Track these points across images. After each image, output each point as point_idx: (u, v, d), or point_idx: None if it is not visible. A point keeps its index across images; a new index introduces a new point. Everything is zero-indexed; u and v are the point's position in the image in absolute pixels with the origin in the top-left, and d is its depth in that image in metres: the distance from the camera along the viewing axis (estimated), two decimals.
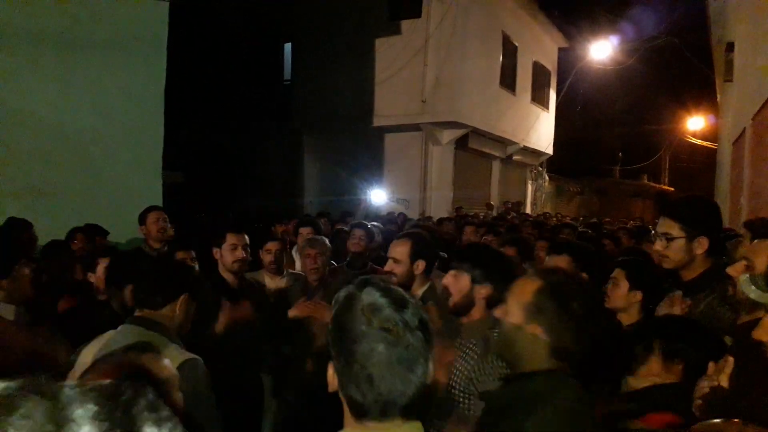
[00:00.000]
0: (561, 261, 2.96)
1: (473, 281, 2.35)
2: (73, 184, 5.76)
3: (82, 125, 5.81)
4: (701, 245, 2.27)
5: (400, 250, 2.97)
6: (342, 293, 1.25)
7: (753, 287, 1.42)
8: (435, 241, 4.31)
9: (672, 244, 2.34)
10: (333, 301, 1.27)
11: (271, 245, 4.12)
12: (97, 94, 5.86)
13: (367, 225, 5.32)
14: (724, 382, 1.60)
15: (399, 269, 2.93)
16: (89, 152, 5.84)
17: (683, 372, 2.00)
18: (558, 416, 1.48)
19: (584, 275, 2.87)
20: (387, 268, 2.99)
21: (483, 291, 2.32)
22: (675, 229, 2.32)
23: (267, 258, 4.08)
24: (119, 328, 2.24)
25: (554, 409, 1.50)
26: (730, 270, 1.98)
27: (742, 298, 1.82)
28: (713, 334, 2.06)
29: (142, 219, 4.63)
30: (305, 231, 5.05)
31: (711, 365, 1.65)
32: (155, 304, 2.25)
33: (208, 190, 12.55)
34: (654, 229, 2.58)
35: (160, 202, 6.16)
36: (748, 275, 1.57)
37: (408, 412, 1.17)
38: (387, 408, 1.15)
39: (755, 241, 1.99)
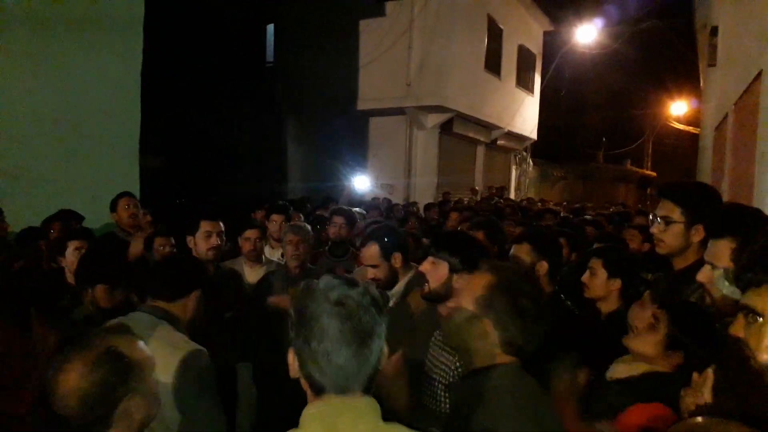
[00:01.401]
0: (522, 249, 2.95)
1: (452, 270, 2.33)
2: (47, 168, 5.62)
3: (55, 107, 5.65)
4: (698, 233, 2.21)
5: (370, 254, 2.95)
6: (303, 283, 1.33)
7: (726, 283, 1.37)
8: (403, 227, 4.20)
9: (670, 228, 2.29)
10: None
11: (250, 233, 4.04)
12: (71, 74, 5.70)
13: (348, 211, 5.24)
14: (708, 396, 1.57)
15: (379, 273, 2.90)
16: (63, 135, 5.69)
17: (680, 364, 1.96)
18: (516, 407, 1.52)
19: (544, 263, 2.87)
20: (369, 275, 2.95)
21: None
22: (675, 214, 2.27)
23: (246, 246, 4.00)
24: (130, 314, 2.29)
25: (512, 400, 1.54)
26: (700, 276, 1.92)
27: (720, 303, 1.78)
28: (718, 331, 1.99)
29: (113, 206, 4.54)
30: (278, 218, 4.99)
31: (695, 376, 1.60)
32: (169, 297, 2.32)
33: (190, 175, 12.38)
34: (651, 213, 2.51)
35: (137, 187, 6.06)
36: (722, 271, 1.52)
37: (366, 388, 1.24)
38: (346, 384, 1.22)
39: (710, 242, 1.93)
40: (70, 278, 3.36)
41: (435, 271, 2.35)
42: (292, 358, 1.27)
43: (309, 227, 4.13)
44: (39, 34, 5.47)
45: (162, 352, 1.92)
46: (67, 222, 4.73)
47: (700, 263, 2.12)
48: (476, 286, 1.70)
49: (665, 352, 1.98)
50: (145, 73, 6.31)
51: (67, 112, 5.71)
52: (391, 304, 2.69)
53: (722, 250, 1.84)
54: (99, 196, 5.58)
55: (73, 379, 1.41)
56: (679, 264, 2.33)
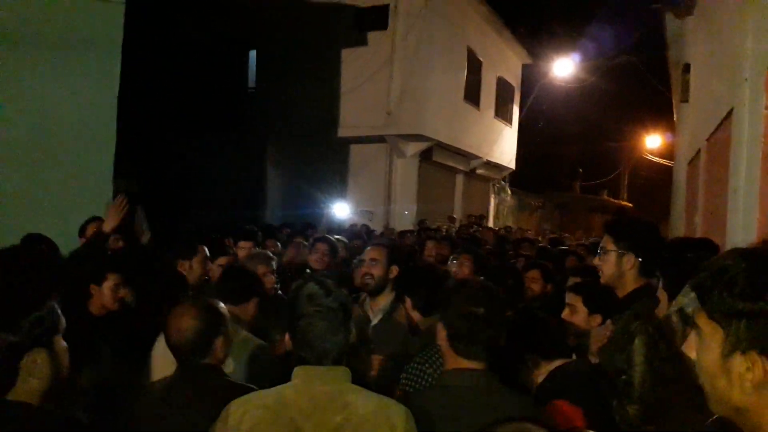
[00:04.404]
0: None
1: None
2: (18, 192, 5.48)
3: (26, 130, 5.53)
4: (629, 262, 2.33)
5: (379, 251, 3.18)
6: (295, 285, 1.88)
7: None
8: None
9: (605, 257, 2.43)
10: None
11: (222, 260, 4.00)
12: (45, 97, 5.60)
13: (331, 239, 5.14)
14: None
15: (377, 270, 3.10)
16: (35, 158, 5.56)
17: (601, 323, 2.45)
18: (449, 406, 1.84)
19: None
20: (365, 268, 3.17)
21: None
22: (609, 244, 2.42)
23: (217, 273, 3.92)
24: None
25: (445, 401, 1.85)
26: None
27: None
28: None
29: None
30: (245, 245, 4.92)
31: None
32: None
33: (166, 199, 12.19)
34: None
35: None
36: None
37: (337, 362, 1.79)
38: (321, 358, 1.77)
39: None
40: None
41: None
42: (288, 340, 1.86)
43: (269, 253, 4.09)
44: (11, 55, 5.38)
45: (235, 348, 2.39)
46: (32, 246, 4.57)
47: (636, 293, 2.21)
48: (441, 293, 2.08)
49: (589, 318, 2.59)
50: (122, 96, 6.23)
51: (39, 135, 5.59)
52: (375, 321, 3.04)
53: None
54: (71, 220, 5.45)
55: (190, 320, 2.04)
56: (620, 294, 2.44)
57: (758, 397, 0.86)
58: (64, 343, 1.51)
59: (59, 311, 1.49)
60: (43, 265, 2.72)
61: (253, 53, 15.81)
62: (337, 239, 6.17)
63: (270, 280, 3.71)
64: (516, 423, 1.16)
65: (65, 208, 5.59)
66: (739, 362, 0.88)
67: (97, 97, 5.92)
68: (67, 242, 4.95)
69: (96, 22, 5.90)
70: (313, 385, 1.75)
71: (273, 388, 1.80)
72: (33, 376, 1.40)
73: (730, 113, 3.87)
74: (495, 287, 2.11)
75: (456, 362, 1.91)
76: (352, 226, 10.90)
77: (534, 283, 4.03)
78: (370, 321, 3.07)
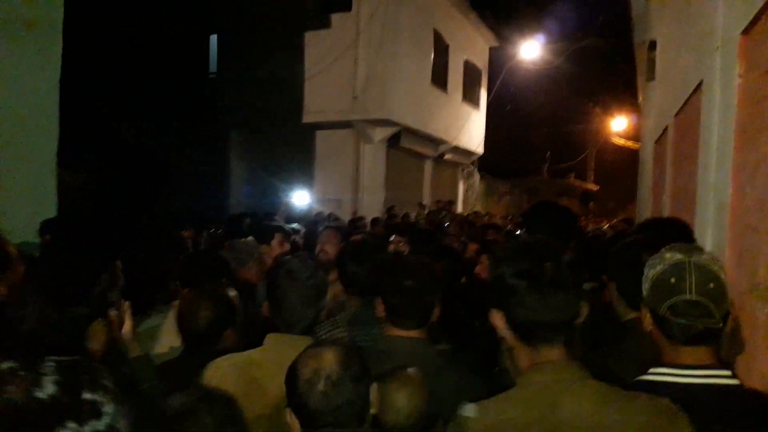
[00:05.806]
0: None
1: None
2: None
3: None
4: None
5: (333, 241, 3.53)
6: (280, 260, 2.25)
7: None
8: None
9: None
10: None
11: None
12: None
13: (285, 227, 5.12)
14: None
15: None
16: None
17: None
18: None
19: None
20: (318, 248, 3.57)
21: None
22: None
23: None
24: (174, 302, 2.71)
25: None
26: None
27: None
28: None
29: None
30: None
31: None
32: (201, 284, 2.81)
33: (122, 191, 11.72)
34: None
35: (54, 205, 5.59)
36: None
37: (305, 332, 1.98)
38: (290, 327, 1.96)
39: None
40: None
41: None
42: (266, 308, 2.03)
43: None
44: None
45: None
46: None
47: None
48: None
49: None
50: (70, 83, 5.82)
51: None
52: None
53: None
54: (10, 214, 5.09)
55: (205, 310, 2.16)
56: None
57: None
58: (115, 312, 2.00)
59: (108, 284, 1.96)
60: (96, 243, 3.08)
61: (214, 38, 15.33)
62: (293, 229, 6.01)
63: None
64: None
65: (4, 201, 5.22)
66: None
67: (37, 82, 5.49)
68: (8, 237, 4.63)
69: (33, 4, 5.48)
70: (281, 350, 1.86)
71: (246, 351, 1.95)
72: (94, 341, 1.72)
73: (699, 86, 3.74)
74: (428, 262, 2.17)
75: (394, 333, 2.02)
76: (318, 214, 10.64)
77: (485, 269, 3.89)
78: None
